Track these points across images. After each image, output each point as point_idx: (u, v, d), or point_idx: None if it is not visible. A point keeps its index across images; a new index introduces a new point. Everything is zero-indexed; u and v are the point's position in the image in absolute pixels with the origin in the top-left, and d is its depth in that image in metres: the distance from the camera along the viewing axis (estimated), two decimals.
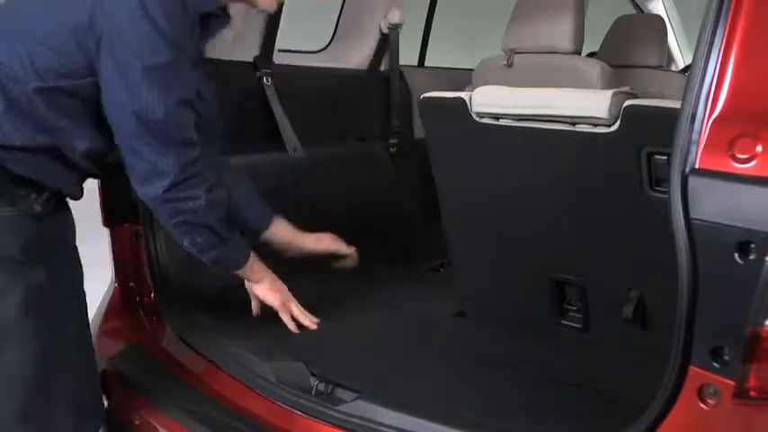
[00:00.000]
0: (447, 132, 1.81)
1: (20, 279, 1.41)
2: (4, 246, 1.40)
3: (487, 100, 1.71)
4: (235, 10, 1.68)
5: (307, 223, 2.24)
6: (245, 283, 1.76)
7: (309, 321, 1.76)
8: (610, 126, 1.50)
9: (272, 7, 1.62)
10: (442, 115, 1.81)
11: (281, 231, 1.88)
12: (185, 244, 1.56)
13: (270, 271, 1.75)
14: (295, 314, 1.75)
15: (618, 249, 1.60)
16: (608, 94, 1.50)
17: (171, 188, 1.45)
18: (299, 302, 1.78)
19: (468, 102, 1.72)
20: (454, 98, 1.73)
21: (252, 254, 1.69)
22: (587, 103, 1.54)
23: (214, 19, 1.54)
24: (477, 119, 1.70)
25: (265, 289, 1.74)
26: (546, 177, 1.67)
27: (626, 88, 1.61)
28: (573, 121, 1.57)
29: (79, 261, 1.59)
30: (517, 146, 1.68)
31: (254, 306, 1.78)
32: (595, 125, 1.53)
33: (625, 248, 1.58)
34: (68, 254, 1.56)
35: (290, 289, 1.77)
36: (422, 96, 1.84)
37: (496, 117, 1.69)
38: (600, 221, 1.61)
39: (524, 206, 1.72)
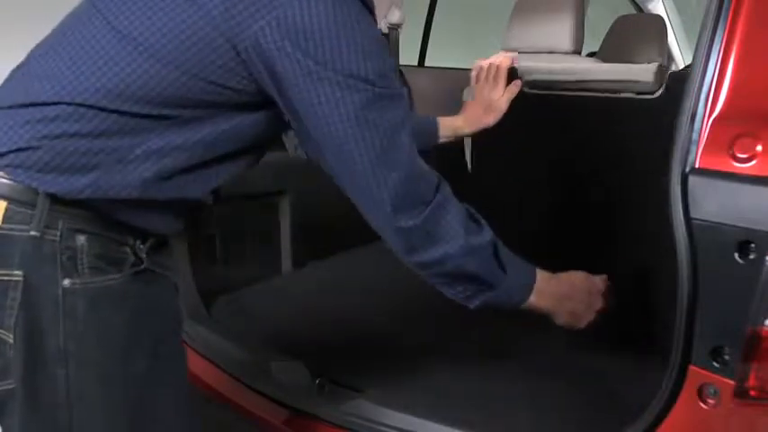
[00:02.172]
0: None
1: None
2: (103, 329, 1.09)
3: (534, 69, 1.72)
4: None
5: (306, 222, 2.24)
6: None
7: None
8: (653, 93, 1.51)
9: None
10: None
11: (443, 133, 1.70)
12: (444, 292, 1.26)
13: (558, 286, 1.32)
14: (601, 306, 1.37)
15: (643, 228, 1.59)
16: (653, 65, 1.52)
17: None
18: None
19: (517, 71, 1.78)
20: None
21: (535, 285, 1.27)
22: (633, 69, 1.57)
23: None
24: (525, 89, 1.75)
25: (564, 315, 1.35)
26: (587, 146, 1.69)
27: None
28: (618, 87, 1.59)
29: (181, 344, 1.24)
30: (560, 115, 1.70)
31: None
32: (639, 93, 1.54)
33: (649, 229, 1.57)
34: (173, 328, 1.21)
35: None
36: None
37: (543, 86, 1.70)
38: (630, 197, 1.62)
39: (554, 179, 1.73)
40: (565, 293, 1.32)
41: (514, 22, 2.54)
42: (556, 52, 2.47)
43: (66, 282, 1.05)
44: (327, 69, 1.03)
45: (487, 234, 1.21)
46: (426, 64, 3.33)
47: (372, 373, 1.55)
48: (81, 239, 1.06)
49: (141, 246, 1.12)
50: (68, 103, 1.04)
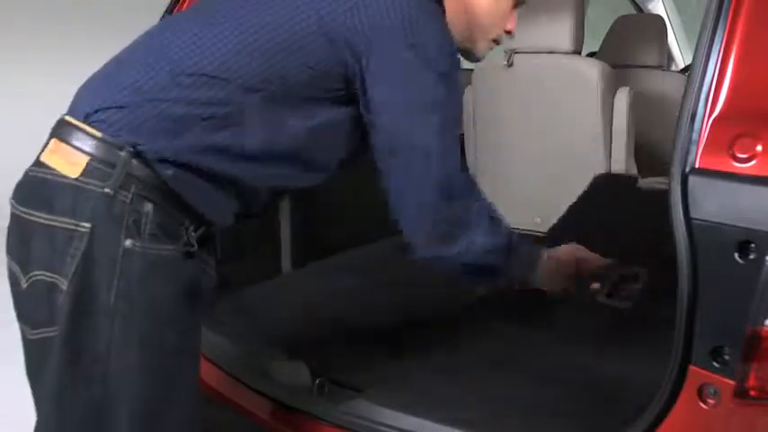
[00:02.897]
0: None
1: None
2: (152, 295, 1.13)
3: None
4: None
5: (306, 222, 2.24)
6: None
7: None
8: None
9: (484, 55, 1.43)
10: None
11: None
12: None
13: (556, 260, 1.40)
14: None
15: None
16: None
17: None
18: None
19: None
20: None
21: (539, 263, 1.37)
22: None
23: None
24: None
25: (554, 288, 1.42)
26: None
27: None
28: None
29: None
30: None
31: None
32: None
33: None
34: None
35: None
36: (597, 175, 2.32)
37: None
38: None
39: None
40: (557, 271, 1.41)
41: None
42: (556, 52, 2.48)
43: (128, 242, 1.10)
44: (419, 56, 1.15)
45: (505, 230, 1.29)
46: None
47: (372, 373, 1.55)
48: (148, 206, 1.12)
49: (193, 232, 1.17)
50: (167, 72, 1.13)
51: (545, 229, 2.62)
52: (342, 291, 2.01)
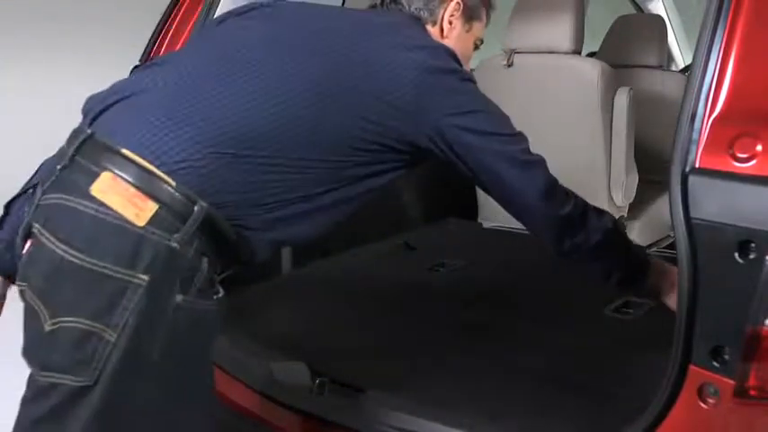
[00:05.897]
0: None
1: None
2: (193, 352, 1.13)
3: None
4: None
5: None
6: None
7: None
8: None
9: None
10: None
11: None
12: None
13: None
14: None
15: None
16: None
17: None
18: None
19: None
20: None
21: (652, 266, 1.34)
22: None
23: None
24: None
25: None
26: None
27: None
28: None
29: None
30: None
31: None
32: None
33: None
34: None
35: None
36: None
37: None
38: None
39: None
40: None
41: (514, 21, 2.55)
42: (556, 52, 2.48)
43: (179, 298, 1.06)
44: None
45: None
46: None
47: (372, 373, 1.54)
48: (204, 262, 1.09)
49: (216, 275, 1.14)
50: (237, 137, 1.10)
51: None
52: (342, 291, 2.00)
